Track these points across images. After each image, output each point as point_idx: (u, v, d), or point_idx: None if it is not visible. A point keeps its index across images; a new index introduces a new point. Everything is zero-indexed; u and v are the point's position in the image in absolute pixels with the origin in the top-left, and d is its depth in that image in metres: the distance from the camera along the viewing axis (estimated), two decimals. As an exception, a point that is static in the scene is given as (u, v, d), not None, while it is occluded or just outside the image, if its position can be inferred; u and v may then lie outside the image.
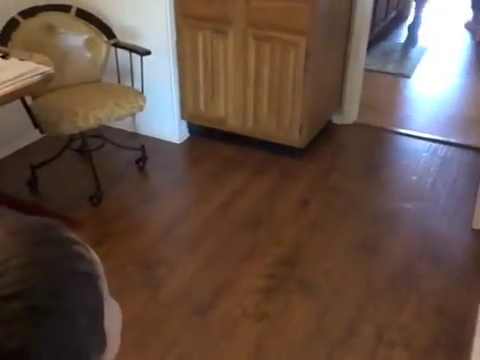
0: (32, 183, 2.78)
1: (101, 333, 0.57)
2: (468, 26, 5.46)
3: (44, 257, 0.54)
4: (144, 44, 2.83)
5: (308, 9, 2.60)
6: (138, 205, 2.71)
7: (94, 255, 0.60)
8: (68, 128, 2.48)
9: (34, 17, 2.65)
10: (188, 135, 3.30)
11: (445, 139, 3.27)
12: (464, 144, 3.20)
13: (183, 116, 3.21)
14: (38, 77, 2.08)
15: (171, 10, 2.89)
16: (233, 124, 3.08)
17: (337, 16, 3.00)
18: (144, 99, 2.65)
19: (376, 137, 3.39)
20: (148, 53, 2.67)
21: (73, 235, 0.59)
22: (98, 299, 0.57)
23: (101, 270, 0.60)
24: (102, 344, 0.57)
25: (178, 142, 3.24)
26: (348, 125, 3.46)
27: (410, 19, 5.08)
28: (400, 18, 5.42)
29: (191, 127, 3.29)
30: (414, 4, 5.06)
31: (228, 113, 3.07)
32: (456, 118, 3.58)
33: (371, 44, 4.52)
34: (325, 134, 3.28)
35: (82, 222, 2.49)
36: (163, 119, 3.19)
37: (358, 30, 3.19)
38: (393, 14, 5.05)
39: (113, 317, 0.61)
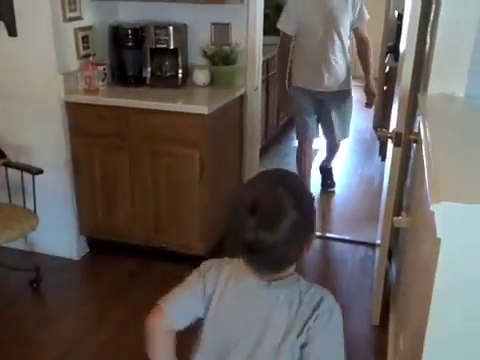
0: None
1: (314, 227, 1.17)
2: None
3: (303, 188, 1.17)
4: (38, 161, 2.80)
5: (200, 123, 2.74)
6: (31, 332, 2.52)
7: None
8: None
9: None
10: (87, 250, 3.21)
11: (339, 236, 3.44)
12: (357, 240, 3.38)
13: (81, 231, 3.14)
14: None
15: (65, 127, 2.92)
16: (134, 236, 3.06)
17: (229, 126, 3.18)
18: (36, 219, 2.58)
19: (276, 238, 3.49)
20: (40, 172, 2.64)
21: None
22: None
23: None
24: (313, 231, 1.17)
25: (77, 258, 3.13)
26: (249, 228, 3.54)
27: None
28: (292, 123, 5.84)
29: (90, 241, 3.21)
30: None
31: (128, 225, 3.05)
32: (348, 216, 3.81)
33: (267, 148, 4.82)
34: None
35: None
36: (60, 235, 3.09)
37: (250, 138, 3.39)
38: (285, 119, 5.43)
39: None
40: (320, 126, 3.85)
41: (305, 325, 1.12)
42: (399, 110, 2.17)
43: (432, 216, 1.04)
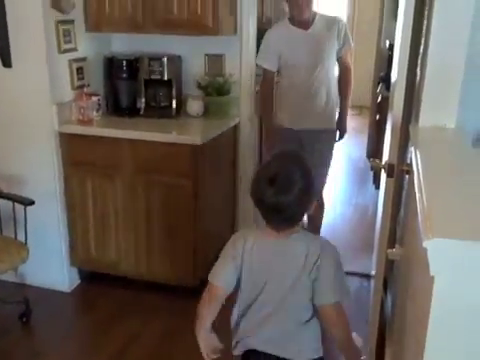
0: None
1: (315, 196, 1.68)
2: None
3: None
4: (31, 192, 2.78)
5: (193, 153, 2.74)
6: (20, 367, 2.47)
7: None
8: None
9: None
10: (79, 282, 3.16)
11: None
12: (352, 271, 3.34)
13: (73, 262, 3.10)
14: None
15: (58, 158, 2.91)
16: (126, 268, 3.02)
17: (222, 156, 3.18)
18: (27, 251, 2.54)
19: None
20: (32, 203, 2.61)
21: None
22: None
23: None
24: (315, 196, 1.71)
25: (68, 290, 3.08)
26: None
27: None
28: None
29: (82, 273, 3.17)
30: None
31: (120, 257, 3.02)
32: (342, 246, 3.71)
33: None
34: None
35: None
36: (51, 267, 3.05)
37: (244, 167, 3.38)
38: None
39: None
40: None
41: (314, 265, 1.54)
42: (391, 141, 2.17)
43: (425, 252, 1.02)
